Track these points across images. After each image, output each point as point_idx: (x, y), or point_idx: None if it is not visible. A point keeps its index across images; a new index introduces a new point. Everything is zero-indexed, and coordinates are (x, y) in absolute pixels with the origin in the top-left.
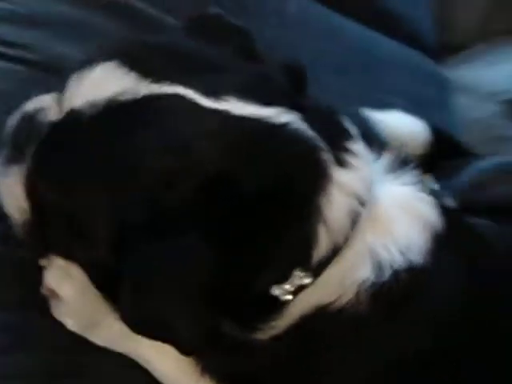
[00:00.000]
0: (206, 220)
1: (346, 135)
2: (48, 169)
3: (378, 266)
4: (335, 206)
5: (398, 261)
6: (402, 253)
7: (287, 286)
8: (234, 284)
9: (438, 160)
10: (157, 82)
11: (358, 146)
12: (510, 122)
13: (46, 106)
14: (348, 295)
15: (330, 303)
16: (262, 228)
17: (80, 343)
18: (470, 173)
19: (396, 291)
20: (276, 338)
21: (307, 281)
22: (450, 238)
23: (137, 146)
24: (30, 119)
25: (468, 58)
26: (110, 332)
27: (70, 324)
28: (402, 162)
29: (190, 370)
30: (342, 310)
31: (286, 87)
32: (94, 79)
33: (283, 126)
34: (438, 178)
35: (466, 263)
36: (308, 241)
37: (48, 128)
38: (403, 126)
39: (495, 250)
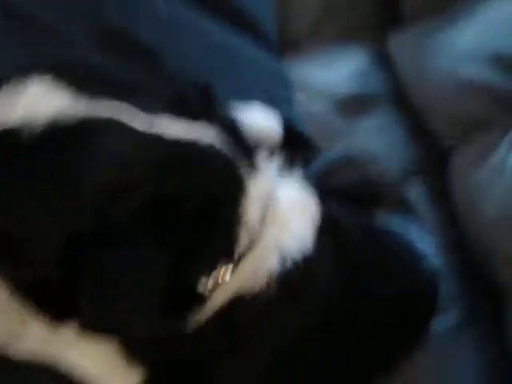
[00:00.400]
0: (149, 231)
1: (249, 149)
2: None
3: (282, 257)
4: (250, 212)
5: (296, 251)
6: (297, 244)
7: (210, 281)
8: (173, 282)
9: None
10: (91, 102)
11: (259, 158)
12: (340, 119)
13: None
14: (260, 284)
15: (246, 292)
16: (197, 234)
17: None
18: (319, 164)
19: (296, 277)
20: (200, 327)
21: (228, 274)
22: (326, 227)
23: (81, 165)
24: None
25: (301, 57)
26: (32, 343)
27: None
28: (283, 161)
29: (117, 364)
30: (254, 297)
31: (200, 106)
32: (31, 96)
33: (206, 148)
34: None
35: (337, 251)
36: (231, 241)
37: None
38: (259, 121)
39: (351, 237)
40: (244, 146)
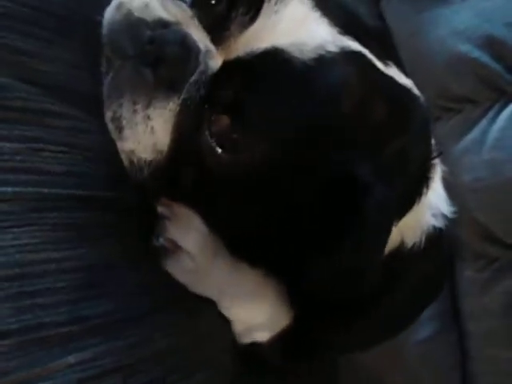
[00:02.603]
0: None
1: None
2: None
3: (435, 217)
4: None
5: (442, 213)
6: (443, 207)
7: None
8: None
9: None
10: (344, 34)
11: None
12: None
13: (181, 18)
14: (415, 238)
15: (404, 244)
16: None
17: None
18: None
19: (438, 235)
20: None
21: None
22: None
23: (356, 104)
24: (161, 37)
25: None
26: (216, 282)
27: (183, 276)
28: None
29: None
30: (410, 249)
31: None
32: (294, 18)
33: (418, 98)
34: None
35: None
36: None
37: (233, 62)
38: None
39: None
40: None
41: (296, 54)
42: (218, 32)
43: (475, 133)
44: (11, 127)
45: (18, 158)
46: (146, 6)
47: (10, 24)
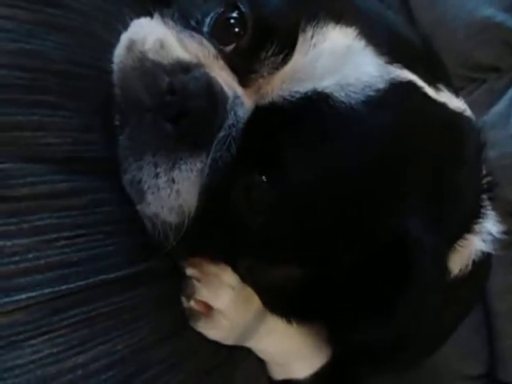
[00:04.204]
0: None
1: None
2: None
3: (484, 243)
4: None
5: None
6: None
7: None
8: None
9: None
10: (391, 63)
11: None
12: None
13: (203, 58)
14: (463, 265)
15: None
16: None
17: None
18: None
19: (482, 262)
20: None
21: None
22: None
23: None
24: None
25: None
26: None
27: (216, 334)
28: None
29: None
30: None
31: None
32: (335, 52)
33: (470, 121)
34: None
35: None
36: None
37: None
38: None
39: None
40: None
41: (342, 97)
42: (247, 70)
43: (501, 105)
44: (19, 221)
45: (31, 255)
46: (162, 45)
47: (7, 96)
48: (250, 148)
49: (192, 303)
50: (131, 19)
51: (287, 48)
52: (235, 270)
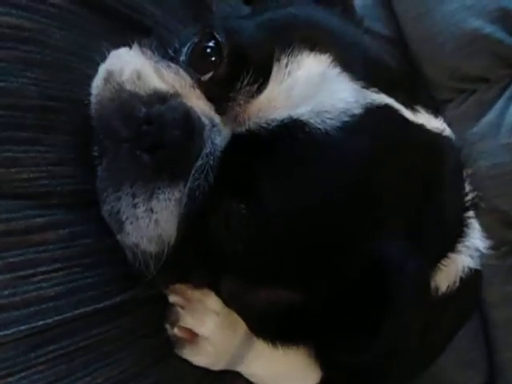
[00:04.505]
0: None
1: None
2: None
3: (471, 259)
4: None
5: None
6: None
7: None
8: None
9: None
10: (367, 87)
11: None
12: None
13: (180, 87)
14: (449, 282)
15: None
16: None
17: None
18: None
19: (469, 279)
20: None
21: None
22: None
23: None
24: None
25: None
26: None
27: (202, 360)
28: None
29: (297, 370)
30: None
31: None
32: (310, 80)
33: (450, 141)
34: None
35: None
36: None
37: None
38: None
39: None
40: None
41: (318, 124)
42: (224, 99)
43: (491, 115)
44: None
45: (6, 292)
46: (139, 75)
47: None
48: (228, 176)
49: (176, 330)
50: (109, 50)
51: (262, 77)
52: (219, 294)
